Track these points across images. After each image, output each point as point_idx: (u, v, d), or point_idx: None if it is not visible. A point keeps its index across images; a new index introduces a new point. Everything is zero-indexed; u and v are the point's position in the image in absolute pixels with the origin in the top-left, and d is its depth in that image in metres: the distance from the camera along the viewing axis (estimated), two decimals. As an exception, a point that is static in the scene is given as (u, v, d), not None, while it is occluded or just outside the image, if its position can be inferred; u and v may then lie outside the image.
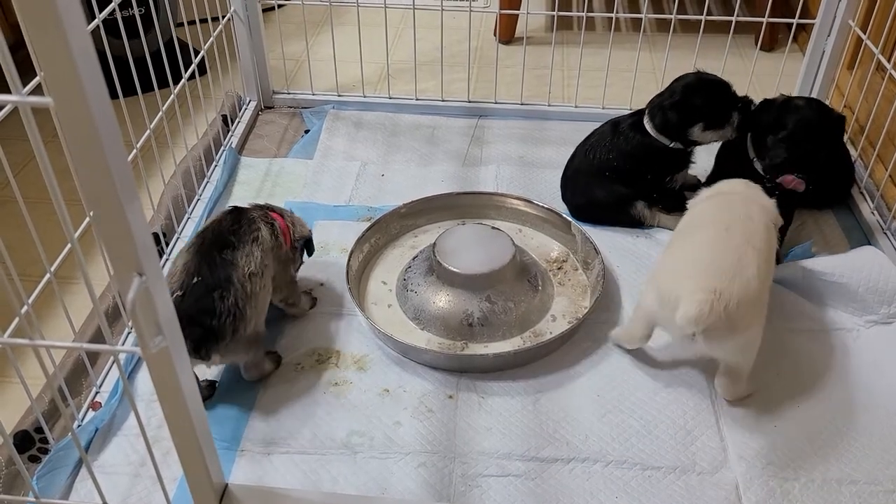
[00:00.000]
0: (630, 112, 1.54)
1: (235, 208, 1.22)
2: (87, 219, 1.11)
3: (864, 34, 1.58)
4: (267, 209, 1.26)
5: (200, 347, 1.07)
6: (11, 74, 0.51)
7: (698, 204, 1.27)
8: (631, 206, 1.52)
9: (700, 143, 1.47)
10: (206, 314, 1.08)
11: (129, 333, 1.30)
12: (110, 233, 0.53)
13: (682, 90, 1.43)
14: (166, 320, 0.59)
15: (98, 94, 0.48)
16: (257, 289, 1.13)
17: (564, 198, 1.59)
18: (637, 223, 1.53)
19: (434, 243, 1.37)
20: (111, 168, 0.50)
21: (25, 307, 0.82)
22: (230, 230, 1.16)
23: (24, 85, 0.64)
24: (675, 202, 1.52)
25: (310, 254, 1.33)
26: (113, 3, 1.23)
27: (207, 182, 1.66)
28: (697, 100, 1.42)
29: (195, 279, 1.09)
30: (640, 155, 1.48)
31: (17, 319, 0.98)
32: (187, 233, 1.51)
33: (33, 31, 0.44)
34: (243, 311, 1.10)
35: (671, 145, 1.45)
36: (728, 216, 1.17)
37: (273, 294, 1.22)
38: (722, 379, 1.16)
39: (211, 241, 1.14)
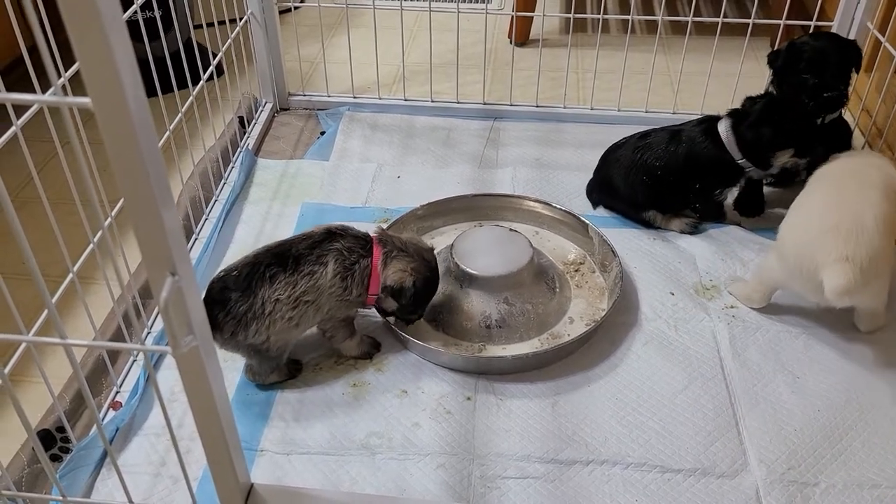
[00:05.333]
0: (698, 119, 1.50)
1: (330, 232, 1.17)
2: (109, 218, 1.12)
3: (883, 37, 1.58)
4: (371, 243, 1.19)
5: None
6: (51, 76, 0.52)
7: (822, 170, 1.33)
8: (644, 211, 1.53)
9: (772, 167, 1.44)
10: (219, 305, 1.10)
11: (148, 333, 1.30)
12: (145, 233, 0.54)
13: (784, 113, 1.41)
14: (197, 320, 0.59)
15: (136, 94, 0.48)
16: (277, 315, 1.12)
17: (596, 171, 1.60)
18: (647, 224, 1.54)
19: (452, 245, 1.37)
20: (148, 168, 0.51)
21: (49, 306, 0.83)
22: (299, 251, 1.14)
23: (44, 87, 0.64)
24: (715, 213, 1.53)
25: (401, 308, 1.22)
26: (135, 6, 1.24)
27: (224, 183, 1.67)
28: (795, 125, 1.40)
29: (235, 272, 1.12)
30: (701, 162, 1.45)
31: (43, 316, 0.99)
32: (205, 234, 1.52)
33: (75, 32, 0.45)
34: (249, 323, 1.11)
35: (739, 161, 1.43)
36: (840, 175, 1.26)
37: (320, 323, 1.20)
38: (859, 316, 1.29)
39: (278, 250, 1.14)
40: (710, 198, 1.50)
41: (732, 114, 1.45)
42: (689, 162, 1.46)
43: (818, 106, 1.40)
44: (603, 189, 1.59)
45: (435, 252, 1.26)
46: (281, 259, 1.13)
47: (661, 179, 1.48)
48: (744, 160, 1.43)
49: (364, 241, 1.19)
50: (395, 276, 1.18)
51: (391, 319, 1.27)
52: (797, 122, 1.40)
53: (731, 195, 1.52)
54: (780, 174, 1.52)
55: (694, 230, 1.52)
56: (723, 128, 1.44)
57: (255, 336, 1.12)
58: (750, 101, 1.45)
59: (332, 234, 1.17)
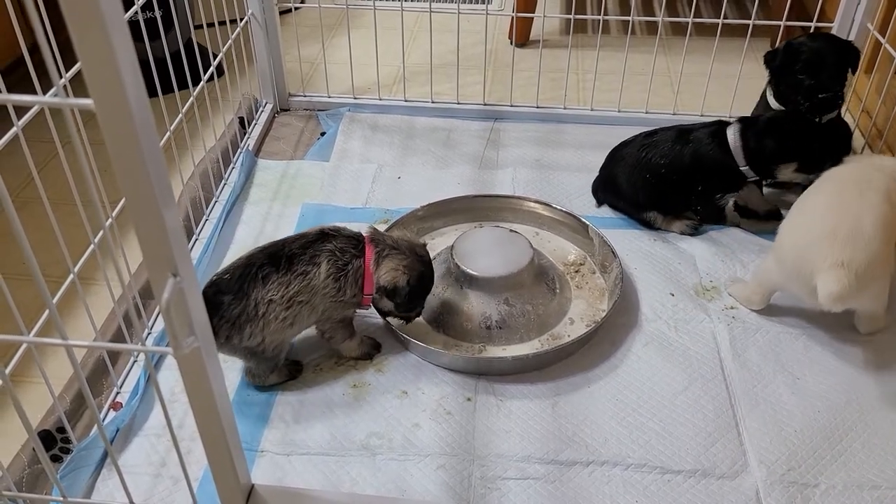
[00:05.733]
0: (707, 122, 1.50)
1: (323, 232, 1.17)
2: (110, 219, 1.12)
3: (883, 38, 1.58)
4: (365, 243, 1.18)
5: None
6: (52, 77, 0.52)
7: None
8: (645, 212, 1.53)
9: (775, 179, 1.45)
10: (212, 308, 1.09)
11: (149, 334, 1.30)
12: (146, 233, 0.54)
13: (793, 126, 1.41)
14: (199, 320, 0.59)
15: (138, 94, 0.48)
16: (271, 316, 1.12)
17: (602, 168, 1.60)
18: (647, 225, 1.54)
19: (452, 246, 1.37)
20: (149, 168, 0.51)
21: (51, 307, 0.83)
22: (292, 250, 1.14)
23: (44, 88, 0.64)
24: (716, 216, 1.53)
25: (398, 306, 1.22)
26: (136, 6, 1.24)
27: (224, 184, 1.67)
28: (802, 140, 1.39)
29: (226, 275, 1.11)
30: (705, 164, 1.45)
31: (43, 316, 0.99)
32: (205, 234, 1.52)
33: (76, 32, 0.45)
34: (243, 326, 1.11)
35: (742, 168, 1.43)
36: (843, 178, 1.25)
37: (317, 324, 1.21)
38: (859, 318, 1.28)
39: (271, 251, 1.14)
40: (711, 201, 1.50)
41: (743, 120, 1.45)
42: (694, 163, 1.46)
43: (813, 107, 1.40)
44: (607, 187, 1.59)
45: (434, 253, 1.25)
46: (274, 259, 1.13)
47: (664, 178, 1.48)
48: (747, 168, 1.43)
49: (356, 242, 1.19)
50: (387, 275, 1.17)
51: (392, 320, 1.27)
52: (797, 124, 1.40)
53: (732, 199, 1.52)
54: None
55: (694, 232, 1.52)
56: (731, 133, 1.43)
57: (251, 339, 1.12)
58: (760, 111, 1.45)
59: (325, 235, 1.17)
